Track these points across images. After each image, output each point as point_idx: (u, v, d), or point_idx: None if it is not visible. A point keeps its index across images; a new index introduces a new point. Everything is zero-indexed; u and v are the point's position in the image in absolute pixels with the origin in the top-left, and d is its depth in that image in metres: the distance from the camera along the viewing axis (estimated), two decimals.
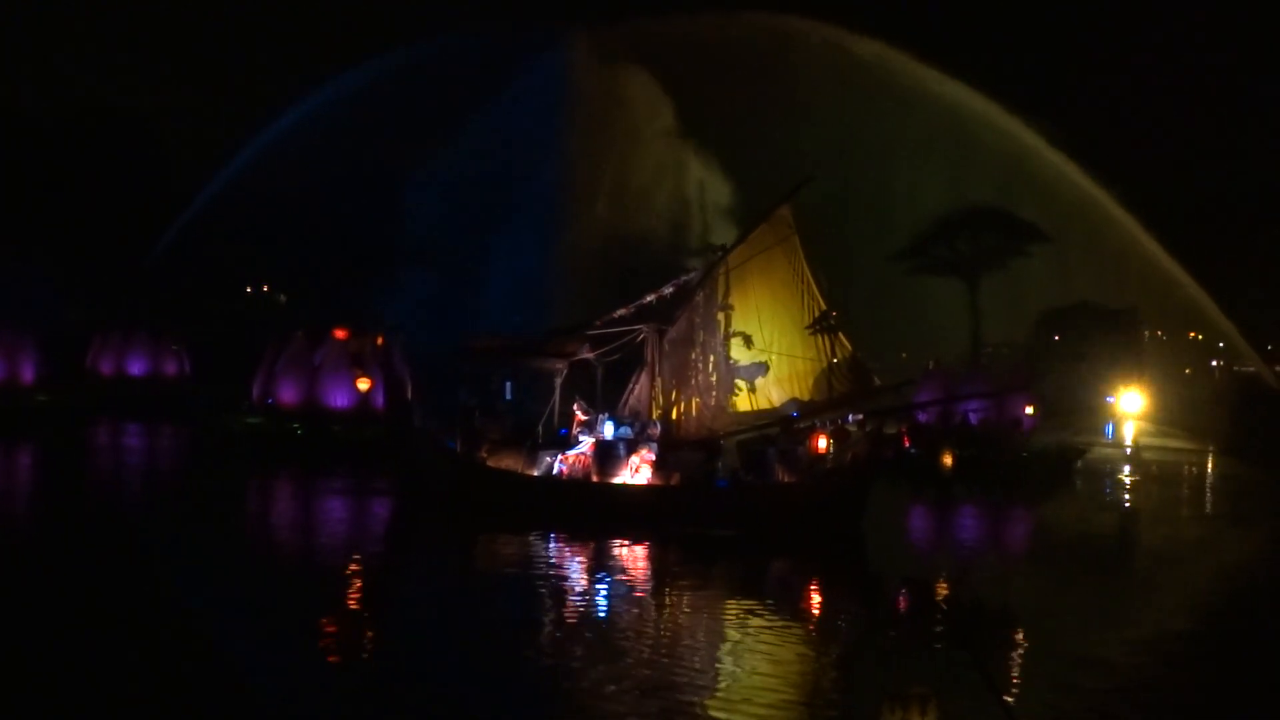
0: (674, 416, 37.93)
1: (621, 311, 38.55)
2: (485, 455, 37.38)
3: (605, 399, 38.63)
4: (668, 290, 38.63)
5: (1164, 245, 67.89)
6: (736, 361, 38.30)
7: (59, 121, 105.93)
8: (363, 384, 53.03)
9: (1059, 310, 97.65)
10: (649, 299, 38.47)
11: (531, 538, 33.91)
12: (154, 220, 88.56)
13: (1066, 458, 53.49)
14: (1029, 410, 51.72)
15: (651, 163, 66.73)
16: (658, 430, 36.99)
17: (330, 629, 23.73)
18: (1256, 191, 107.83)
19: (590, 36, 69.30)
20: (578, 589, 28.97)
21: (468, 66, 72.20)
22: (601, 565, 31.51)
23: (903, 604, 26.28)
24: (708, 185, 65.42)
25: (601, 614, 26.42)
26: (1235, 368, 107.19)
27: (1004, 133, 66.31)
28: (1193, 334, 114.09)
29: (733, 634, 24.52)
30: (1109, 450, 65.19)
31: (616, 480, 35.95)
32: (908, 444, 47.70)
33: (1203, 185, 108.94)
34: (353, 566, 30.69)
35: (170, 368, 78.43)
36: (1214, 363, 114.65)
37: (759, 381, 38.42)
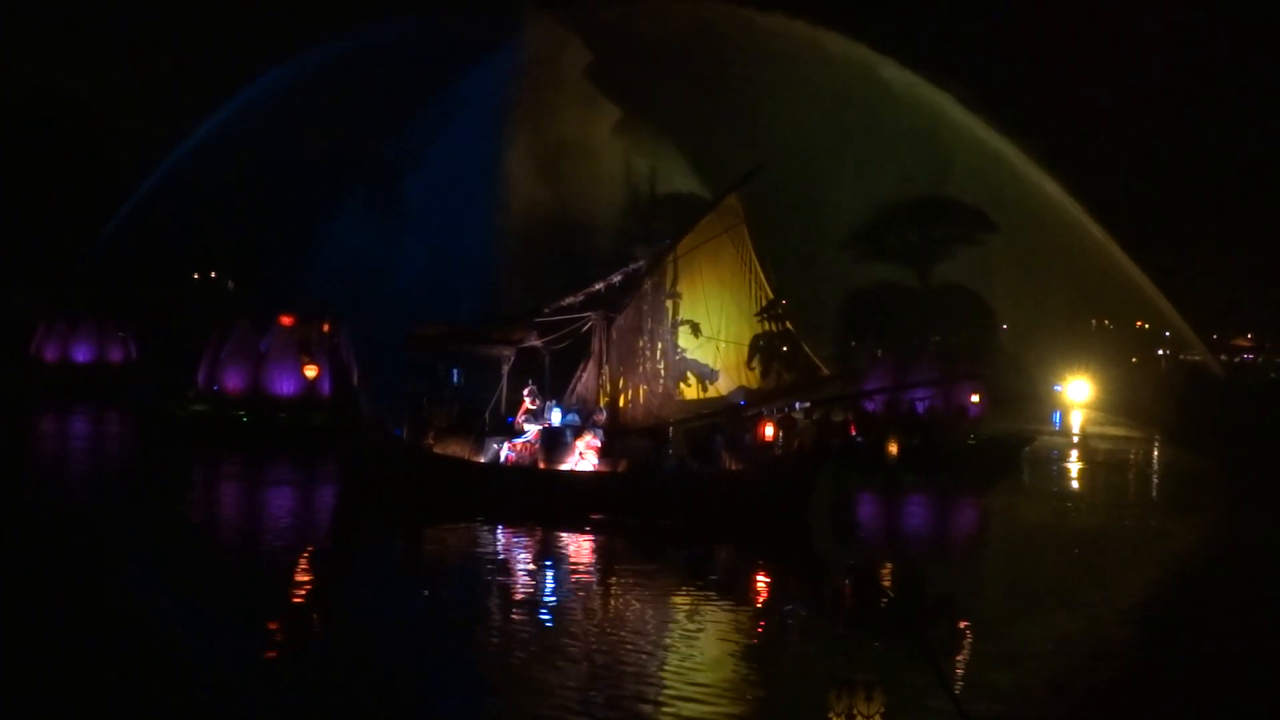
0: (621, 404, 37.87)
1: (570, 299, 38.44)
2: (432, 442, 37.24)
3: (553, 386, 38.52)
4: (616, 278, 38.49)
5: (1112, 235, 68.32)
6: (684, 351, 38.22)
7: (2, 108, 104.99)
8: (309, 371, 52.81)
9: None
10: (597, 287, 38.36)
11: (478, 525, 33.88)
12: (100, 206, 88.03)
13: (1014, 446, 53.66)
14: (975, 399, 51.84)
15: (599, 149, 66.71)
16: (603, 417, 36.94)
17: (273, 619, 23.56)
18: (1202, 182, 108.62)
19: (540, 23, 69.23)
20: (524, 577, 28.97)
21: (412, 54, 72.07)
22: (548, 553, 31.51)
23: (849, 592, 26.31)
24: (657, 173, 65.50)
25: (547, 602, 26.39)
26: (1181, 357, 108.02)
27: (953, 122, 66.63)
28: (1140, 323, 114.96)
29: (679, 622, 24.51)
30: (1056, 439, 65.58)
31: (564, 467, 35.89)
32: (854, 432, 47.77)
33: (1149, 176, 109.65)
34: (297, 555, 30.55)
35: (116, 354, 77.74)
36: (1160, 352, 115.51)
37: (709, 385, 38.40)
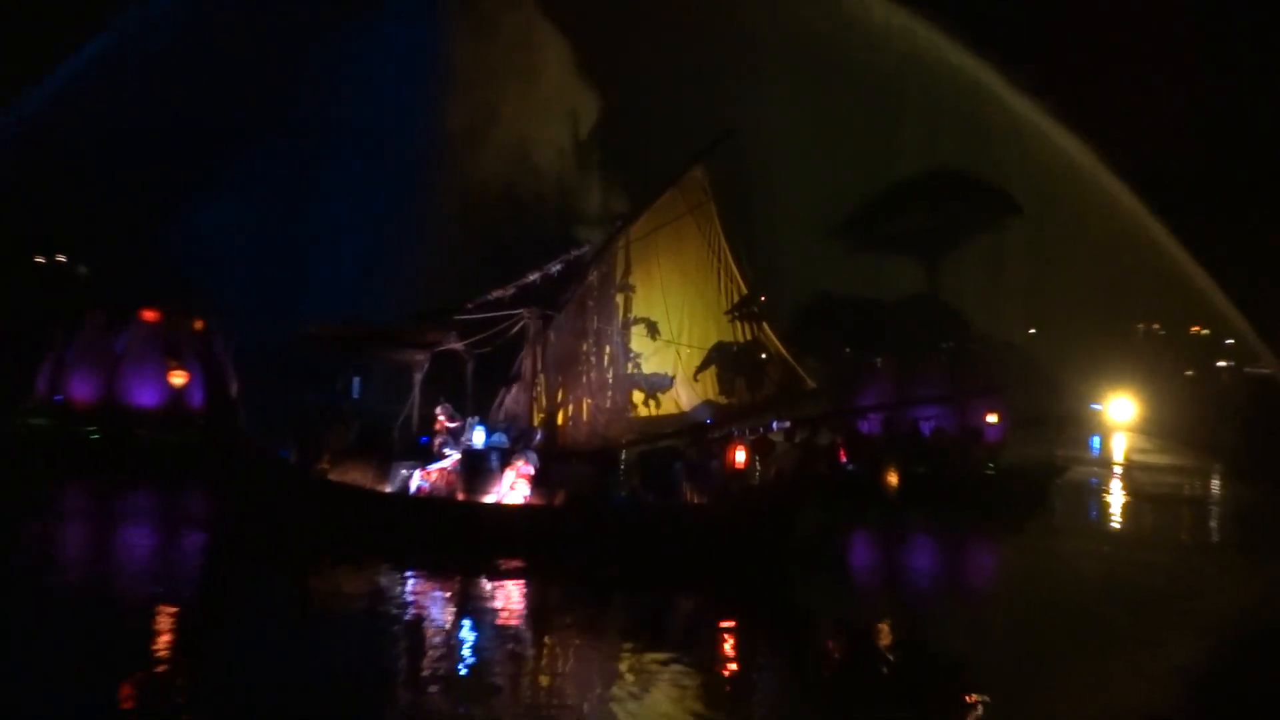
0: (560, 421, 37.87)
1: (498, 293, 38.42)
2: (326, 467, 37.13)
3: (476, 399, 38.48)
4: (555, 268, 38.53)
5: (1166, 225, 68.56)
6: (637, 356, 38.23)
7: None
8: (177, 378, 52.56)
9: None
10: (532, 278, 38.37)
11: (382, 569, 33.78)
12: None
13: (1042, 477, 53.68)
14: (993, 419, 51.85)
15: (538, 110, 66.57)
16: (538, 438, 36.94)
17: (132, 686, 23.43)
18: (1272, 156, 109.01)
19: None
20: (437, 632, 28.92)
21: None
22: (466, 603, 31.45)
23: (837, 654, 26.39)
24: (607, 140, 65.31)
25: (466, 662, 26.38)
26: (1246, 370, 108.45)
27: (973, 85, 66.70)
28: (1197, 329, 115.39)
29: (627, 687, 24.54)
30: (1095, 469, 65.84)
31: (488, 499, 35.84)
32: (844, 458, 47.76)
33: (1214, 158, 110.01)
34: (160, 606, 30.37)
35: None
36: (1221, 364, 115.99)
37: (661, 395, 38.46)
